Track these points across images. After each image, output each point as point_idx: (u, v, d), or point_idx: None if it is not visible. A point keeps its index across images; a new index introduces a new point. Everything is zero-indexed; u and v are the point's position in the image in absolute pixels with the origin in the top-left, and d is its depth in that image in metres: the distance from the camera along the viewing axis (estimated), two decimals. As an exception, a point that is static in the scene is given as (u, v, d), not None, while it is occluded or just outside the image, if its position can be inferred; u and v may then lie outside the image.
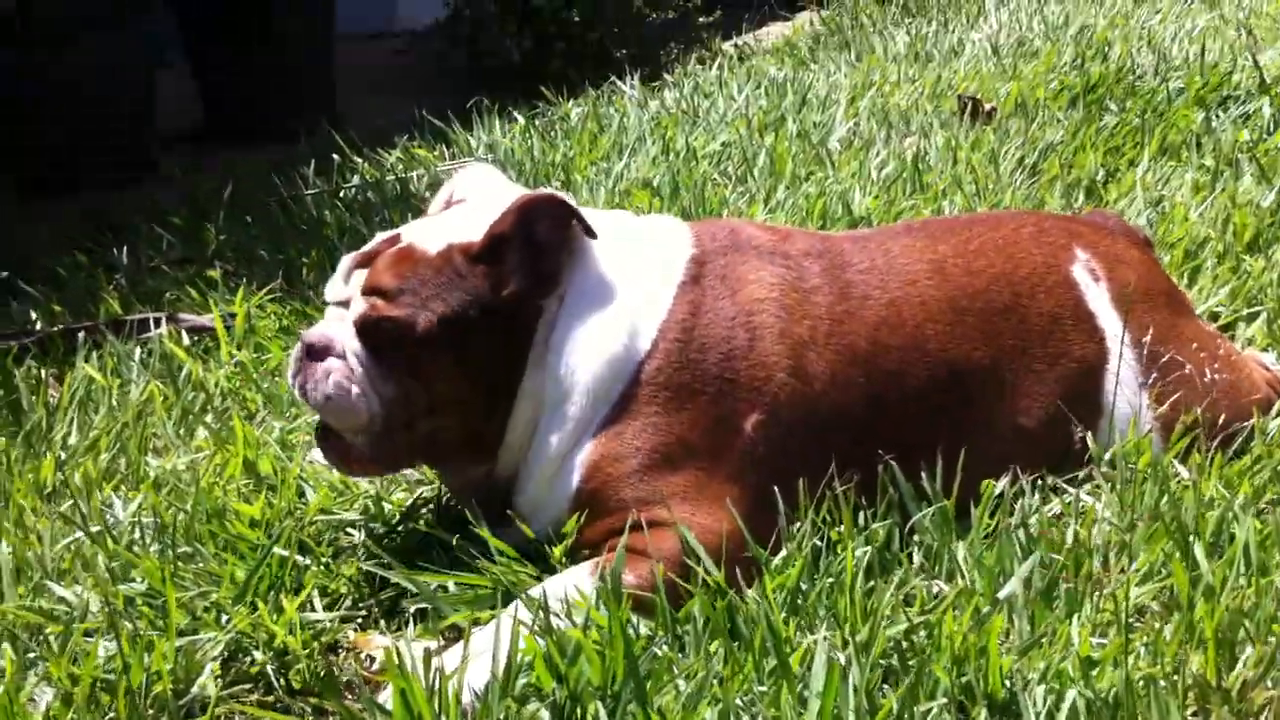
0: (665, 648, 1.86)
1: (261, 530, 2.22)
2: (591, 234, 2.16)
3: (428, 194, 4.25)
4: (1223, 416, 2.34)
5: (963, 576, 1.99)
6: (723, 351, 2.14)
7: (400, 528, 2.32)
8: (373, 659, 1.98)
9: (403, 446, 2.17)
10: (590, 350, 2.14)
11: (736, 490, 2.09)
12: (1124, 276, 2.43)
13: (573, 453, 2.13)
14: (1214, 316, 3.02)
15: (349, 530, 2.34)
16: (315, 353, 2.15)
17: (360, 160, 4.82)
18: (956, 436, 2.20)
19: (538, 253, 2.15)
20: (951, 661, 1.77)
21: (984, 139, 4.35)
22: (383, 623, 2.10)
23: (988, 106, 4.93)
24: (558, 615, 1.89)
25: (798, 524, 2.05)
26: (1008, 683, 1.74)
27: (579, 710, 1.73)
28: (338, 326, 2.17)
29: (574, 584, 1.97)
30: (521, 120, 5.14)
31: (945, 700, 1.71)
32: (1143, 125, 4.36)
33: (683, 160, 4.30)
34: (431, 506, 2.38)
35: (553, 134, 4.95)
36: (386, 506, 2.37)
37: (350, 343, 2.14)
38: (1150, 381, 2.34)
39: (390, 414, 2.13)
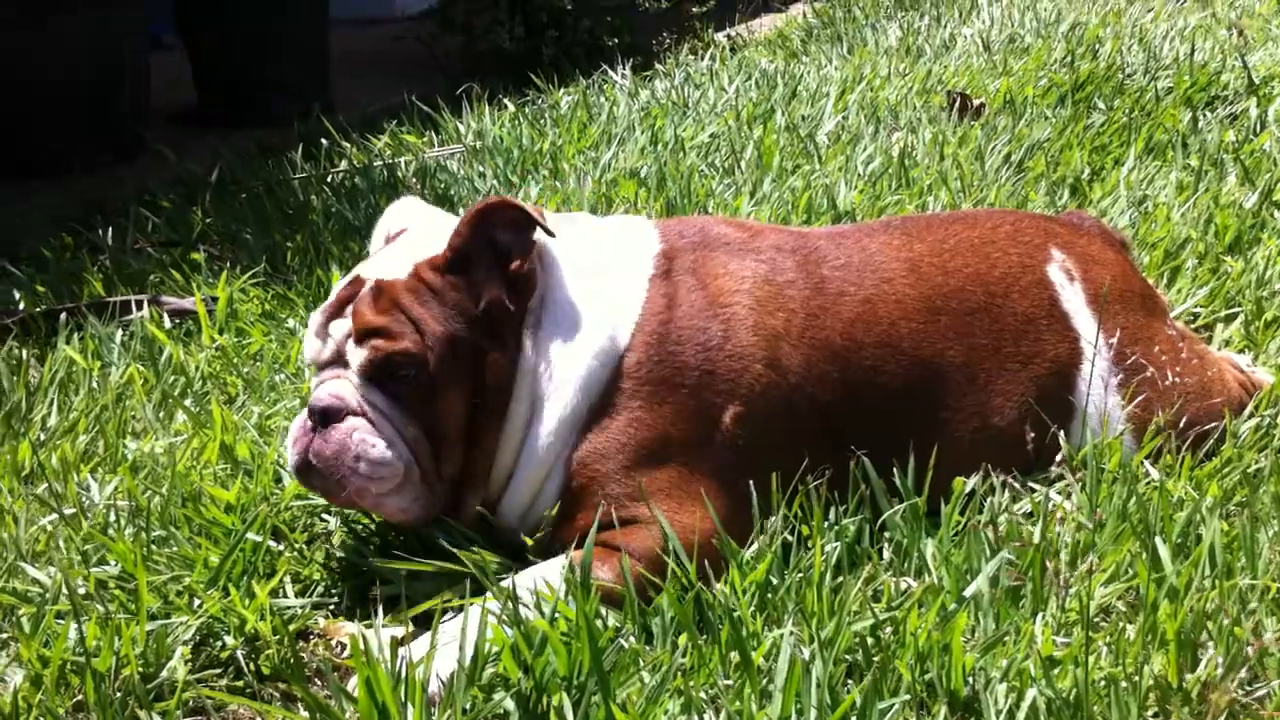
0: (632, 640, 1.87)
1: (236, 515, 2.23)
2: (549, 233, 2.16)
3: (414, 180, 4.26)
4: (1191, 418, 2.36)
5: (930, 573, 2.01)
6: (699, 343, 2.15)
7: (375, 516, 2.33)
8: (343, 646, 1.99)
9: (438, 490, 2.14)
10: (577, 346, 2.15)
11: (715, 485, 2.10)
12: (1099, 277, 2.44)
13: (563, 451, 2.13)
14: (1192, 317, 3.03)
15: (323, 516, 2.35)
16: (328, 418, 2.10)
17: (349, 145, 4.81)
18: (928, 434, 2.22)
19: (504, 259, 2.15)
20: (915, 658, 1.78)
21: (971, 135, 4.36)
22: (356, 610, 2.10)
23: (976, 102, 4.95)
24: (526, 606, 1.90)
25: (771, 518, 2.06)
26: (970, 680, 1.76)
27: (544, 700, 1.75)
28: (339, 385, 2.13)
29: (543, 576, 1.98)
30: (511, 108, 5.14)
31: (908, 697, 1.73)
32: (1130, 124, 4.37)
33: (670, 151, 4.31)
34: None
35: (542, 122, 4.95)
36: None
37: (364, 393, 2.11)
38: (1121, 383, 2.36)
39: (419, 456, 2.11)
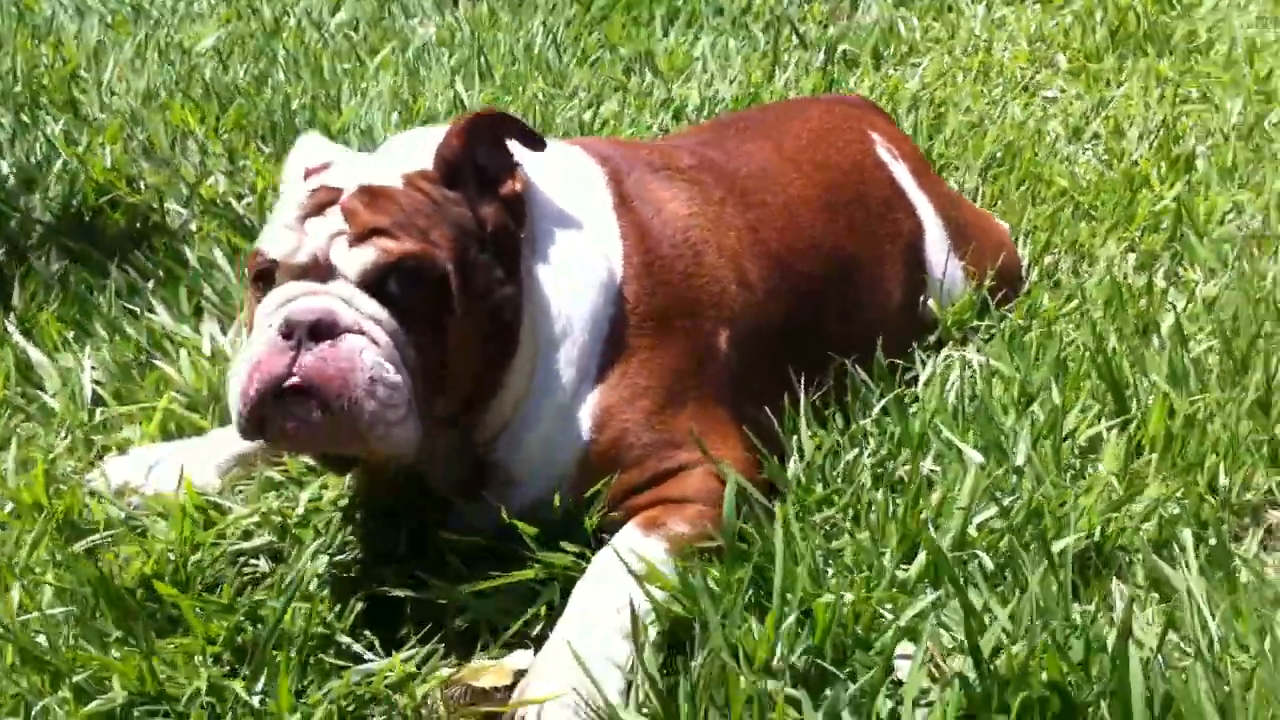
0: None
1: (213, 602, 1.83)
2: (541, 146, 1.97)
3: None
4: (1004, 266, 2.65)
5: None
6: (680, 271, 2.07)
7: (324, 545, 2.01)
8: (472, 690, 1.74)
9: (426, 425, 1.82)
10: (579, 279, 1.98)
11: (726, 412, 2.05)
12: (907, 151, 2.64)
13: (575, 398, 1.96)
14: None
15: (252, 561, 1.99)
16: (319, 334, 1.74)
17: None
18: (848, 324, 2.31)
19: (493, 178, 1.94)
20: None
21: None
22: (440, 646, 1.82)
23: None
24: (644, 586, 1.78)
25: (796, 436, 2.07)
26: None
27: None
28: (323, 300, 1.78)
29: (635, 552, 1.83)
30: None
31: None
32: None
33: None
34: (340, 512, 2.08)
35: None
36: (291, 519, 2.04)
37: (362, 307, 1.78)
38: (952, 246, 2.57)
39: (420, 386, 1.80)
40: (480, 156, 1.93)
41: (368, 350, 1.75)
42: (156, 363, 2.45)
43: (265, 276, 1.85)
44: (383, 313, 1.78)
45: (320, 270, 1.81)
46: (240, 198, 3.22)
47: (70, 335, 2.60)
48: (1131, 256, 2.83)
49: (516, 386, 1.94)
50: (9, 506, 2.07)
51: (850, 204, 2.42)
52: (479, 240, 1.89)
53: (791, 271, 2.24)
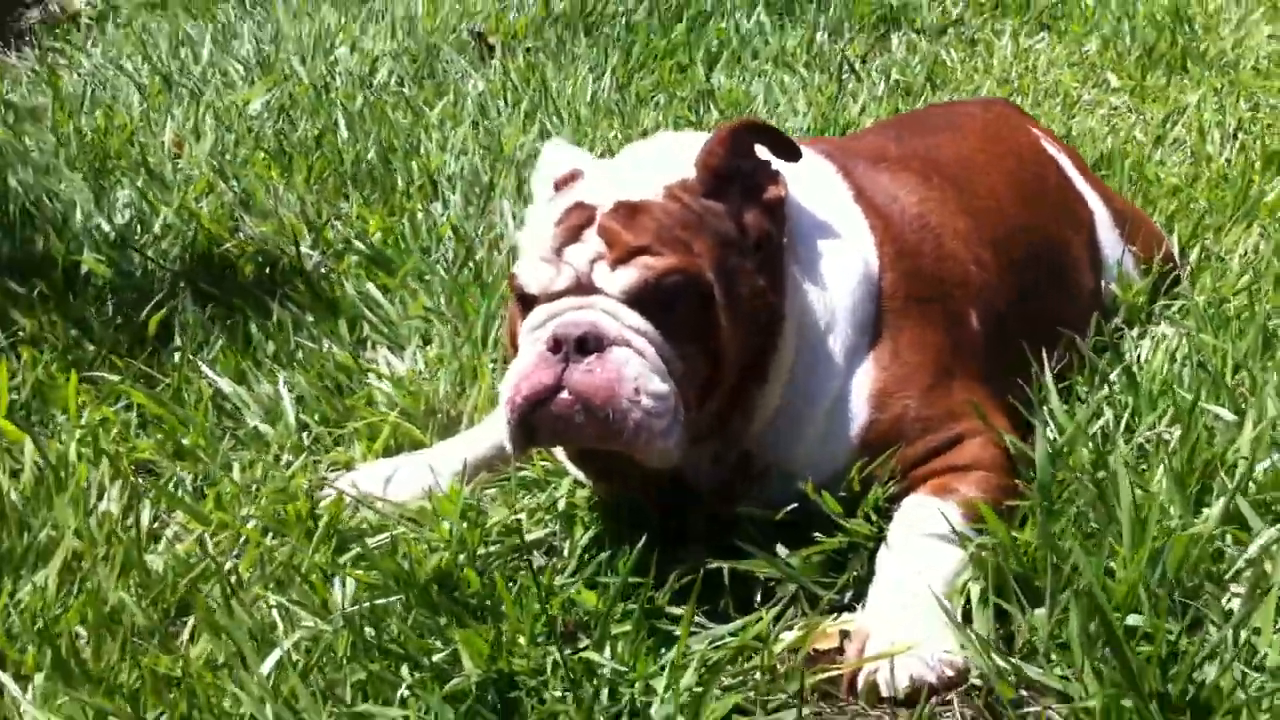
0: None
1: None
2: (796, 155, 2.00)
3: None
4: (1168, 251, 2.72)
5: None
6: (927, 254, 2.11)
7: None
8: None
9: (691, 433, 1.85)
10: (840, 275, 2.01)
11: (984, 388, 2.08)
12: (1064, 146, 2.71)
13: (847, 385, 1.98)
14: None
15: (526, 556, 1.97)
16: (587, 347, 1.78)
17: None
18: (1059, 304, 2.36)
19: (755, 185, 1.96)
20: None
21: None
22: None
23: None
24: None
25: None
26: None
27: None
28: (589, 314, 1.82)
29: (937, 516, 1.85)
30: None
31: None
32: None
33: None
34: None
35: None
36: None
37: (626, 320, 1.81)
38: (1126, 233, 2.64)
39: (684, 395, 1.83)
40: (744, 164, 1.96)
41: (633, 361, 1.78)
42: (369, 383, 2.42)
43: (527, 298, 1.88)
44: (647, 325, 1.82)
45: (583, 288, 1.84)
46: (360, 237, 3.21)
47: (247, 368, 2.56)
48: (1263, 243, 2.92)
49: (779, 388, 1.96)
50: (252, 523, 2.04)
51: (1038, 192, 2.48)
52: (739, 249, 1.91)
53: (1009, 254, 2.28)
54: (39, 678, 1.70)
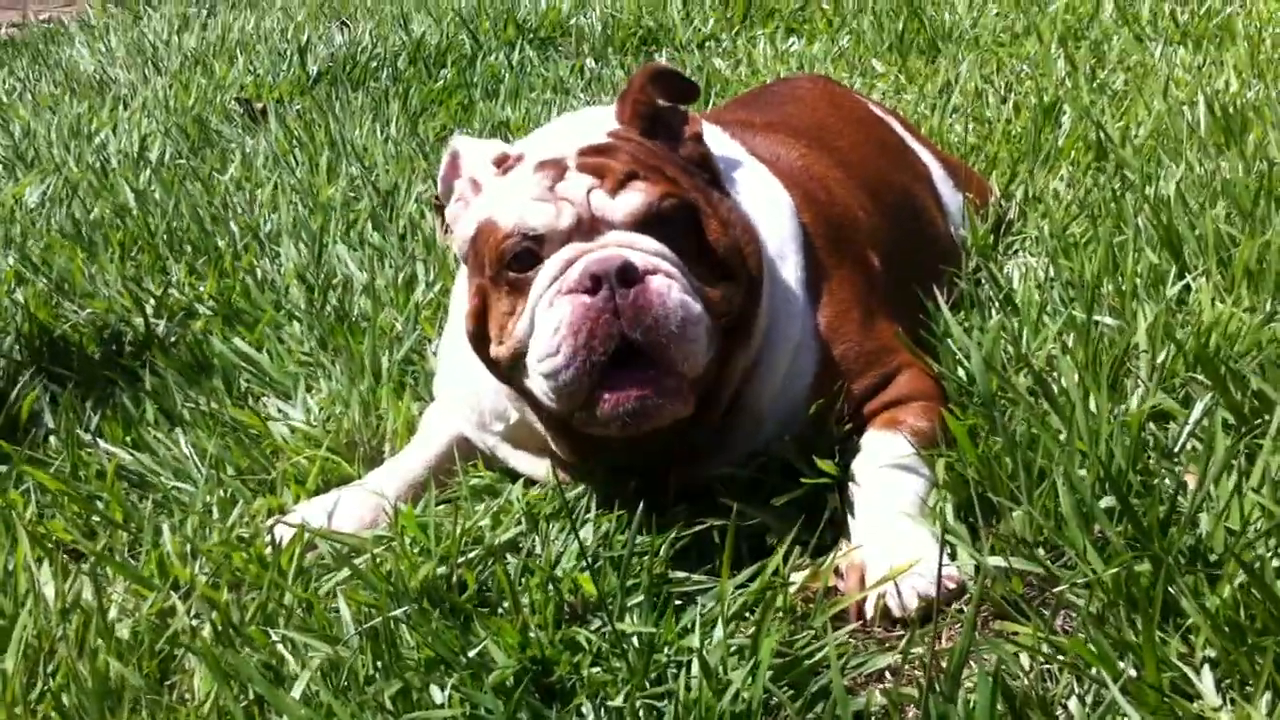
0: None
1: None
2: (696, 92, 2.09)
3: None
4: (996, 197, 2.93)
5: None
6: (823, 201, 2.21)
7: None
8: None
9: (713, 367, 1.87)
10: (774, 207, 2.07)
11: (895, 324, 2.18)
12: (889, 110, 2.90)
13: (804, 323, 2.03)
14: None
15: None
16: (629, 277, 1.76)
17: None
18: (926, 247, 2.52)
19: (676, 121, 2.03)
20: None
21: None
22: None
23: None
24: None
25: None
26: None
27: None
28: (614, 249, 1.81)
29: (895, 447, 1.95)
30: None
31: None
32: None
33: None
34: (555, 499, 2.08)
35: None
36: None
37: (648, 248, 1.82)
38: (959, 182, 2.83)
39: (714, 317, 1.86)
40: (662, 105, 2.02)
41: (674, 286, 1.79)
42: (272, 431, 2.36)
43: (526, 256, 1.86)
44: (666, 249, 1.84)
45: (585, 228, 1.84)
46: (200, 300, 3.12)
47: (134, 436, 2.46)
48: (1073, 183, 3.17)
49: (764, 321, 1.99)
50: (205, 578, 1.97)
51: (883, 149, 2.64)
52: (699, 178, 1.97)
53: (882, 201, 2.42)
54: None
